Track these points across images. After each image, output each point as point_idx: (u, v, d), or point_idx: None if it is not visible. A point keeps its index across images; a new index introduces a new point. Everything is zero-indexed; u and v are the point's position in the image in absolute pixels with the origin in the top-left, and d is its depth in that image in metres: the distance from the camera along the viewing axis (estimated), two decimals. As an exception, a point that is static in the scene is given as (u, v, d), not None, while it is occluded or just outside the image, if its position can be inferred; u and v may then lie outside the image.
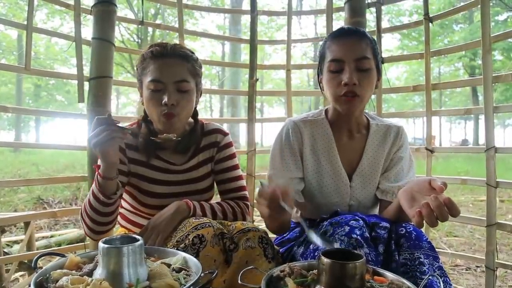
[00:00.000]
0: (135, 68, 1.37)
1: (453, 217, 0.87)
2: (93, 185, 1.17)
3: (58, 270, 0.80)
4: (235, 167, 1.47)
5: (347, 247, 0.99)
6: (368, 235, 1.05)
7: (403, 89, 2.77)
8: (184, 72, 1.29)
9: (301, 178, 1.36)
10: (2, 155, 12.07)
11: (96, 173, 1.15)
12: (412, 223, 1.12)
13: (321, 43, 1.36)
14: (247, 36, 2.36)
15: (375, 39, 1.35)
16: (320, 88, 1.36)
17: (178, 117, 1.28)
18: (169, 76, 1.26)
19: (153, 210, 1.32)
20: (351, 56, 1.22)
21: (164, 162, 1.38)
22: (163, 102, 1.24)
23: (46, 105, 21.23)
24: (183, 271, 0.84)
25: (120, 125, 1.08)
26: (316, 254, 1.08)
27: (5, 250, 2.56)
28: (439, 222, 0.87)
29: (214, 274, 0.81)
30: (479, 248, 3.25)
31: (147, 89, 1.28)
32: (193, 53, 1.36)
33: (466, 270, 2.69)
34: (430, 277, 0.95)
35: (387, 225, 1.10)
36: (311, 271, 0.81)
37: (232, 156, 1.47)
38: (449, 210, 0.86)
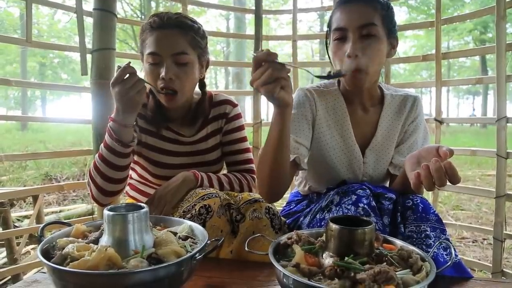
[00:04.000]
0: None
1: (453, 184, 0.81)
2: (106, 138, 1.14)
3: (64, 238, 0.79)
4: (243, 139, 1.45)
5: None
6: (375, 205, 1.03)
7: (412, 59, 2.70)
8: (182, 44, 1.23)
9: (307, 148, 1.26)
10: (10, 134, 12.19)
11: (110, 123, 1.13)
12: (420, 195, 1.10)
13: (328, 13, 1.28)
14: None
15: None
16: (329, 59, 1.26)
17: (181, 92, 1.24)
18: (166, 49, 1.21)
19: (161, 181, 1.31)
20: (355, 23, 1.11)
21: (173, 133, 1.36)
22: (160, 76, 1.20)
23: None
24: (189, 239, 0.83)
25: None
26: (323, 224, 1.07)
27: (16, 224, 2.61)
28: (439, 192, 0.84)
29: (220, 241, 0.80)
30: (486, 222, 3.25)
31: (146, 62, 1.25)
32: (194, 21, 1.30)
33: (473, 242, 2.69)
34: (436, 250, 0.93)
35: (393, 196, 1.07)
36: (319, 238, 0.80)
37: (241, 128, 1.44)
38: (448, 176, 0.80)
